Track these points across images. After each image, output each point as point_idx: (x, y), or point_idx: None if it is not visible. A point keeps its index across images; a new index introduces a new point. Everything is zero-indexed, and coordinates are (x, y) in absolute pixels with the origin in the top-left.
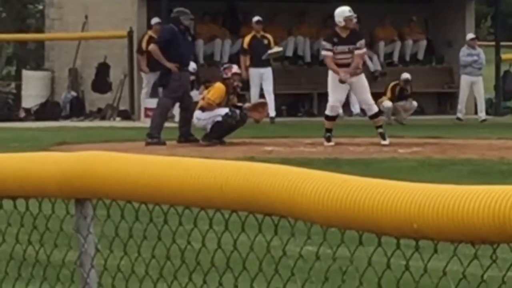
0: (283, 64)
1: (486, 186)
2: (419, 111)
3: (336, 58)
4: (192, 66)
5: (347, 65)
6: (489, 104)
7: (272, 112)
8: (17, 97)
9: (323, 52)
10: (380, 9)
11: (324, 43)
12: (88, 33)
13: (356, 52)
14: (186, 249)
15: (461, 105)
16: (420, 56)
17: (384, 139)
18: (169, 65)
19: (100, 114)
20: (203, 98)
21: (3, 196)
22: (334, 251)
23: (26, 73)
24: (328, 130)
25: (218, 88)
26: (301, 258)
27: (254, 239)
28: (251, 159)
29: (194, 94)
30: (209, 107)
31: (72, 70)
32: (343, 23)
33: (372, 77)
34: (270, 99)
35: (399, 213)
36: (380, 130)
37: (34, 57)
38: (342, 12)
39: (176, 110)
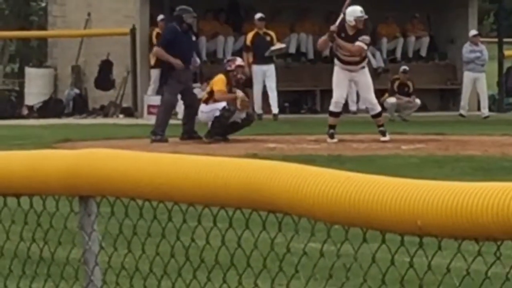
0: (286, 61)
1: (489, 182)
2: (422, 108)
3: (340, 54)
4: (196, 61)
5: (352, 63)
6: (492, 100)
7: (275, 109)
8: (20, 94)
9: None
10: (383, 6)
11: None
12: (91, 31)
13: (356, 42)
14: (190, 246)
15: (464, 101)
16: (423, 52)
17: (384, 135)
18: (175, 61)
19: (103, 111)
20: (208, 92)
21: (7, 194)
22: (338, 248)
23: (29, 71)
24: (332, 127)
25: (219, 79)
26: (305, 255)
27: (258, 236)
28: (254, 156)
29: (198, 91)
30: (218, 94)
31: (75, 67)
32: (353, 23)
33: (374, 74)
34: (273, 96)
35: (403, 210)
36: (381, 128)
37: (37, 54)
38: (354, 12)
39: (179, 108)
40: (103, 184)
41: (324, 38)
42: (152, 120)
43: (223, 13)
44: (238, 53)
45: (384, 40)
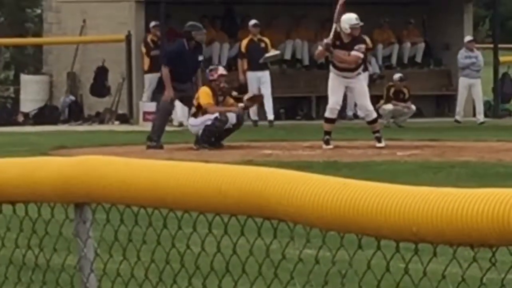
0: (281, 68)
1: (484, 189)
2: (417, 114)
3: (336, 61)
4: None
5: (347, 69)
6: (488, 106)
7: (270, 116)
8: (16, 101)
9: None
10: (378, 12)
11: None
12: (86, 37)
13: (352, 52)
14: (185, 253)
15: (460, 107)
16: (418, 58)
17: (380, 142)
18: (168, 92)
19: (99, 118)
20: (195, 106)
21: (2, 201)
22: (333, 255)
23: (24, 78)
24: (327, 133)
25: (204, 91)
26: (301, 261)
27: (253, 242)
28: (250, 162)
29: None
30: (210, 108)
31: (70, 74)
32: (348, 30)
33: (370, 80)
34: (268, 102)
35: (398, 216)
36: (377, 134)
37: (32, 61)
38: (349, 19)
39: (175, 114)
40: (98, 191)
41: (321, 49)
42: (147, 126)
43: (218, 20)
44: (233, 59)
45: (380, 46)
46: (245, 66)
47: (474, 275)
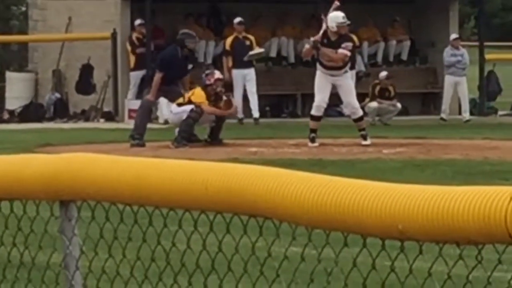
0: (267, 65)
1: (470, 186)
2: (403, 112)
3: (323, 60)
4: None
5: (334, 68)
6: (473, 104)
7: (256, 113)
8: (1, 98)
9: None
10: (363, 10)
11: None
12: (71, 35)
13: (339, 50)
14: (171, 250)
15: (445, 105)
16: (404, 56)
17: (365, 139)
18: (153, 93)
19: (84, 115)
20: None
21: None
22: (319, 252)
23: (9, 75)
24: (313, 131)
25: (198, 92)
26: (286, 259)
27: (239, 240)
28: (235, 160)
29: None
30: (212, 109)
31: (55, 72)
32: (335, 29)
33: (356, 78)
34: (253, 100)
35: (384, 214)
36: (362, 132)
37: (17, 58)
38: (336, 17)
39: (160, 112)
40: (84, 189)
41: (308, 47)
42: (133, 124)
43: (204, 17)
44: (219, 57)
45: (365, 44)
46: (230, 64)
47: (460, 273)
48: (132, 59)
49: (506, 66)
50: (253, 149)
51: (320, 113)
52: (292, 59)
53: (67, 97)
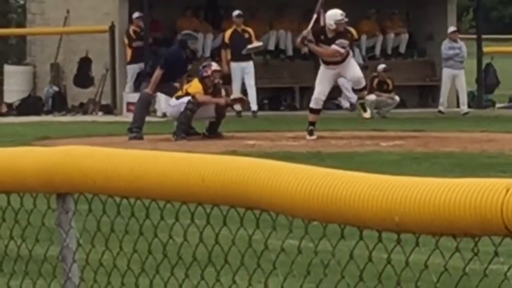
0: (265, 58)
1: (467, 179)
2: (401, 105)
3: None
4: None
5: (335, 63)
6: (471, 97)
7: (254, 106)
8: None
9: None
10: (362, 3)
11: (309, 36)
12: (70, 28)
13: (332, 46)
14: (168, 243)
15: (443, 98)
16: (402, 49)
17: (365, 111)
18: (152, 86)
19: (82, 108)
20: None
21: None
22: (316, 245)
23: (7, 68)
24: (312, 124)
25: (195, 84)
26: (283, 251)
27: (236, 233)
28: (233, 153)
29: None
30: (206, 98)
31: (54, 65)
32: (334, 26)
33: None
34: (251, 93)
35: (380, 206)
36: (361, 101)
37: (15, 52)
38: (334, 15)
39: (159, 105)
40: (81, 181)
41: (298, 40)
42: (131, 117)
43: (202, 10)
44: (217, 50)
45: (363, 37)
46: (229, 57)
47: (456, 265)
48: (129, 52)
49: (504, 59)
50: (251, 142)
51: (319, 106)
52: (290, 52)
53: (65, 90)
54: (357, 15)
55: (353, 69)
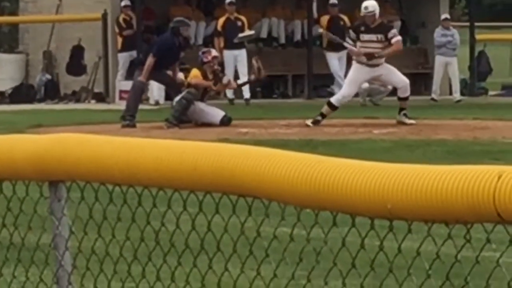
0: (258, 46)
1: (459, 166)
2: (393, 92)
3: (362, 47)
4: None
5: (373, 56)
6: (464, 84)
7: (246, 94)
8: None
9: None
10: None
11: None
12: (62, 16)
13: (393, 40)
14: (160, 230)
15: (436, 85)
16: None
17: (409, 118)
18: (145, 74)
19: (75, 96)
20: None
21: None
22: (308, 232)
23: (0, 56)
24: (322, 115)
25: (193, 72)
26: (275, 239)
27: (228, 220)
28: (226, 140)
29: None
30: (199, 81)
31: (46, 53)
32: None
33: (346, 59)
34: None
35: (373, 193)
36: (404, 111)
37: (8, 40)
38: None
39: (151, 93)
40: (73, 169)
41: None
42: (123, 105)
43: None
44: (209, 38)
45: None
46: (222, 45)
47: (449, 252)
48: (120, 40)
49: (497, 47)
50: (244, 130)
51: (339, 105)
52: (282, 40)
53: (58, 78)
54: (350, 2)
55: (399, 75)
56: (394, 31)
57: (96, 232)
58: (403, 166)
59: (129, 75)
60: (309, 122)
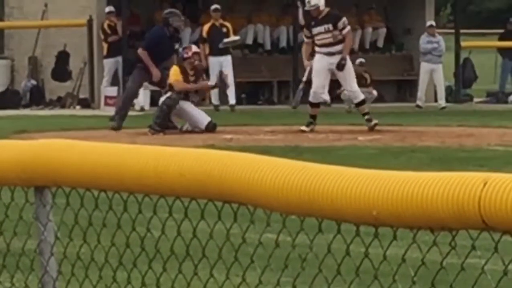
0: (243, 52)
1: (444, 173)
2: (379, 99)
3: (316, 40)
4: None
5: (327, 45)
6: (449, 91)
7: (232, 100)
8: None
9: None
10: None
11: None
12: (47, 21)
13: (344, 31)
14: (145, 237)
15: (421, 92)
16: (380, 43)
17: (370, 121)
18: (155, 71)
19: (60, 102)
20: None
21: None
22: (293, 239)
23: None
24: (313, 117)
25: (173, 70)
26: (261, 245)
27: (213, 226)
28: (211, 147)
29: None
30: (177, 85)
31: (31, 59)
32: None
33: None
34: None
35: (358, 200)
36: (366, 116)
37: None
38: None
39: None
40: (59, 175)
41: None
42: (109, 111)
43: (180, 3)
44: (195, 44)
45: None
46: (207, 51)
47: (434, 259)
48: (105, 46)
49: (482, 54)
50: (229, 136)
51: (318, 100)
52: (268, 46)
53: (43, 84)
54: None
55: (350, 81)
56: (343, 20)
57: (82, 238)
58: (388, 172)
59: (114, 81)
60: (303, 127)
